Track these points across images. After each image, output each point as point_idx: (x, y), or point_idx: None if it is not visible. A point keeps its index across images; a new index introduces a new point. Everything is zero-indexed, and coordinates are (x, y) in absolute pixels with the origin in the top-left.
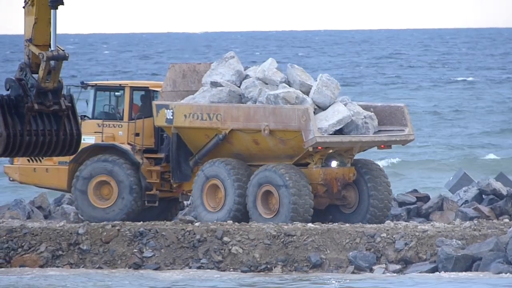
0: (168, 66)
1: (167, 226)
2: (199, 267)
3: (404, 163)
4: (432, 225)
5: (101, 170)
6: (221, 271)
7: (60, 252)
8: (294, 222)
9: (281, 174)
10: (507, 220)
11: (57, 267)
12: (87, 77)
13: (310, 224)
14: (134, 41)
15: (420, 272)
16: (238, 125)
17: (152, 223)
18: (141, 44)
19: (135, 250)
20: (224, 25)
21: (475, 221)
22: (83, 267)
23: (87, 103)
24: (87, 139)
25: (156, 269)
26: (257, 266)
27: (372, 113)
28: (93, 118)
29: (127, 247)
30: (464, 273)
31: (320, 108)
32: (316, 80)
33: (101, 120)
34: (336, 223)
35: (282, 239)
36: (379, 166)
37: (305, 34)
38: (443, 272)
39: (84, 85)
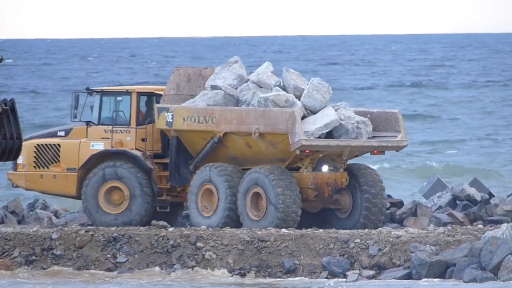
0: (172, 70)
1: (140, 231)
2: (172, 272)
3: (380, 169)
4: (406, 230)
5: (112, 176)
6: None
7: (34, 257)
8: (282, 225)
9: (268, 175)
10: (481, 226)
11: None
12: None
13: (284, 230)
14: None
15: (394, 278)
16: (231, 128)
17: (126, 228)
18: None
19: (108, 255)
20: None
21: (449, 227)
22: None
23: (92, 109)
24: (96, 145)
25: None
26: (231, 271)
27: (367, 119)
28: (99, 124)
29: (101, 252)
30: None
31: (311, 112)
32: (307, 84)
33: (108, 126)
34: (327, 227)
35: (256, 245)
36: (375, 170)
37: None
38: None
39: (89, 91)
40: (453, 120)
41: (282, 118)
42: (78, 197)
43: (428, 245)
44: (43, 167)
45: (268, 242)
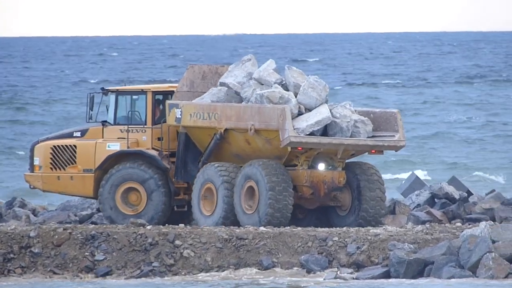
0: (187, 67)
1: (119, 229)
2: (150, 271)
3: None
4: (384, 228)
5: (128, 177)
6: (173, 274)
7: (12, 255)
8: (273, 218)
9: (260, 169)
10: (459, 224)
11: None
12: None
13: (262, 228)
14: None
15: (372, 276)
16: (230, 124)
17: (104, 226)
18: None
19: (86, 253)
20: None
21: (427, 225)
22: (34, 270)
23: (107, 109)
24: (112, 146)
25: (107, 272)
26: (209, 269)
27: (366, 118)
28: (114, 124)
29: (79, 250)
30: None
31: (308, 109)
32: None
33: (124, 126)
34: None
35: (234, 243)
36: (375, 169)
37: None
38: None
39: (104, 91)
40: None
41: (274, 114)
42: (95, 197)
43: (406, 243)
44: (60, 169)
45: (246, 240)
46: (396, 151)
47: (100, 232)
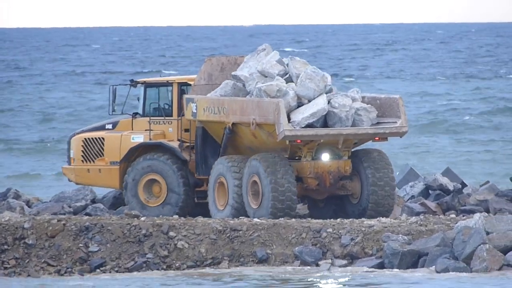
0: (204, 60)
1: (113, 220)
2: (144, 262)
3: None
4: (378, 220)
5: (149, 169)
6: (167, 266)
7: (6, 247)
8: (278, 213)
9: (261, 163)
10: (453, 215)
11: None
12: None
13: (256, 219)
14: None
15: (367, 267)
16: (236, 118)
17: (98, 217)
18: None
19: (80, 245)
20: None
21: (422, 217)
22: (28, 262)
23: (139, 101)
24: (136, 138)
25: (101, 264)
26: (203, 261)
27: (369, 105)
28: (143, 115)
29: (73, 242)
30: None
31: (308, 101)
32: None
33: (154, 117)
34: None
35: (228, 234)
36: (385, 156)
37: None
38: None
39: (133, 83)
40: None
41: (270, 108)
42: (122, 189)
43: (400, 235)
44: (90, 161)
45: (240, 232)
46: (400, 137)
47: (94, 224)
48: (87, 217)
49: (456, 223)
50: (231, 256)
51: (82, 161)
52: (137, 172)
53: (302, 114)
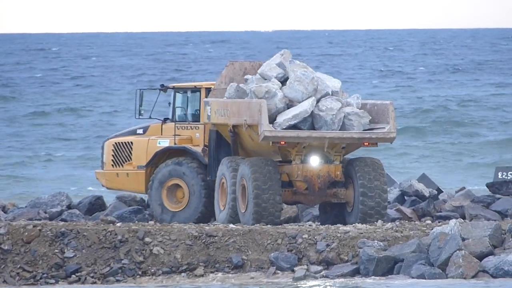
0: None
1: (88, 226)
2: (120, 268)
3: None
4: (354, 226)
5: (172, 174)
6: (142, 271)
7: None
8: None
9: (248, 167)
10: (429, 221)
11: None
12: None
13: (231, 225)
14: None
15: (342, 274)
16: (234, 120)
17: (74, 223)
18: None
19: (56, 251)
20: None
21: (397, 223)
22: (4, 267)
23: (169, 106)
24: (162, 142)
25: (77, 269)
26: (178, 266)
27: (361, 110)
28: (173, 120)
29: (49, 248)
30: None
31: (297, 103)
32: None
33: (180, 123)
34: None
35: (204, 240)
36: (378, 163)
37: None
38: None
39: (163, 88)
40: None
41: (255, 109)
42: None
43: (376, 241)
44: (119, 165)
45: (216, 238)
46: (390, 142)
47: (70, 229)
48: (63, 222)
49: (432, 229)
50: (206, 262)
51: (112, 165)
52: (161, 177)
53: (285, 116)
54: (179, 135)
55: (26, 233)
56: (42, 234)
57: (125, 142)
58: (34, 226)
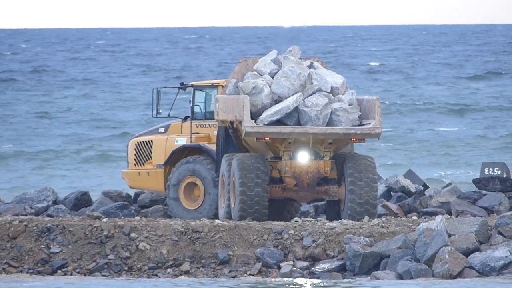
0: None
1: (74, 222)
2: (106, 263)
3: None
4: (340, 222)
5: (188, 172)
6: (128, 267)
7: None
8: (245, 214)
9: (236, 163)
10: (415, 217)
11: None
12: None
13: (217, 221)
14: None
15: (328, 270)
16: (230, 116)
17: (60, 218)
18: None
19: (42, 246)
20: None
21: (383, 219)
22: None
23: (190, 104)
24: (180, 141)
25: (63, 265)
26: (165, 262)
27: (350, 106)
28: (192, 119)
29: (35, 243)
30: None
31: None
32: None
33: (199, 120)
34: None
35: (190, 236)
36: (368, 160)
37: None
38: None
39: (183, 86)
40: None
41: (240, 105)
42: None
43: (362, 237)
44: (141, 165)
45: (202, 233)
46: (377, 138)
47: (56, 225)
48: (49, 218)
49: (418, 225)
50: (192, 257)
51: (135, 164)
52: (178, 175)
53: (269, 112)
54: (198, 133)
55: (12, 229)
56: (28, 230)
57: (146, 141)
58: (20, 222)
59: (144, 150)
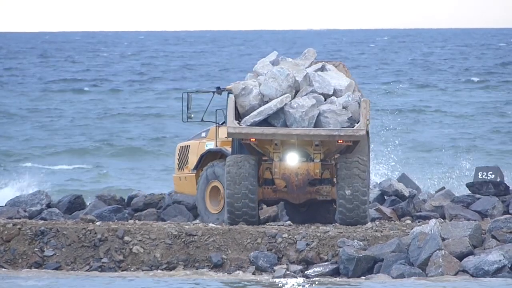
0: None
1: (68, 225)
2: (99, 266)
3: None
4: (333, 225)
5: (212, 176)
6: (122, 270)
7: None
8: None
9: (224, 166)
10: (409, 221)
11: None
12: None
13: (211, 224)
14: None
15: (321, 273)
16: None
17: (53, 222)
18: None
19: (36, 249)
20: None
21: (377, 222)
22: None
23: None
24: (209, 145)
25: (56, 268)
26: (158, 265)
27: (340, 108)
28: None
29: (28, 246)
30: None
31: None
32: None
33: (218, 125)
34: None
35: (183, 239)
36: (360, 162)
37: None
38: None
39: (219, 91)
40: None
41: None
42: None
43: (356, 240)
44: (182, 169)
45: (195, 237)
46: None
47: (49, 228)
48: (43, 221)
49: (412, 229)
50: (186, 261)
51: (177, 169)
52: (203, 180)
53: (254, 113)
54: (226, 138)
55: (6, 232)
56: (21, 233)
57: (185, 146)
58: (13, 225)
59: (184, 155)
